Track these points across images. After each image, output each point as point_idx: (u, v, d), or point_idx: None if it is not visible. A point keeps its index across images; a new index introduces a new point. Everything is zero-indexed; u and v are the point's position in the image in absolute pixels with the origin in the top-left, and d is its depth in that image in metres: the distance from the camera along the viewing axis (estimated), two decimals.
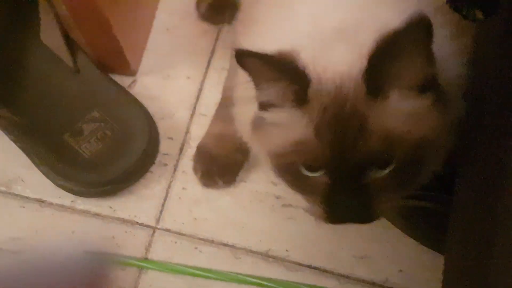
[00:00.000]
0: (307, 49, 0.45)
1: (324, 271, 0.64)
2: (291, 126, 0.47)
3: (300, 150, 0.47)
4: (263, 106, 0.47)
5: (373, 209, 0.48)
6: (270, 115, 0.47)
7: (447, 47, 0.47)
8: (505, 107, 0.43)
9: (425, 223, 0.63)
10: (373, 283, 0.64)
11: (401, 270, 0.64)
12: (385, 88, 0.44)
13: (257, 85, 0.46)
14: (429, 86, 0.45)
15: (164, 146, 0.69)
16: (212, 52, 0.73)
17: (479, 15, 0.44)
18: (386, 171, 0.46)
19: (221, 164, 0.67)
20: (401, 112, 0.45)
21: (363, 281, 0.64)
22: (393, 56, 0.42)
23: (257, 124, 0.49)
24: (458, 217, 0.47)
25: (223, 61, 0.71)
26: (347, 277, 0.64)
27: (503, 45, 0.45)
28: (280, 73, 0.44)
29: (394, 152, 0.45)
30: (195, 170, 0.68)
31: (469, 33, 0.50)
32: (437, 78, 0.46)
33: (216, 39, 0.73)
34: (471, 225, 0.44)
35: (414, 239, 0.65)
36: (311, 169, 0.47)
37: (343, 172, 0.46)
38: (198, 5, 0.73)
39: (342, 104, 0.45)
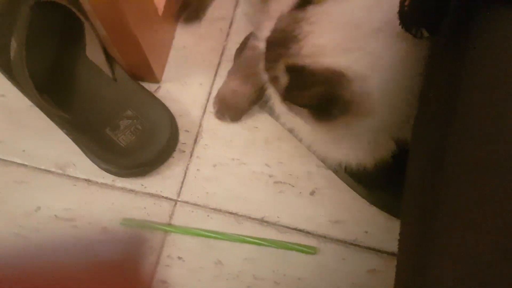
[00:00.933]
0: None
1: (306, 232, 0.64)
2: None
3: None
4: None
5: None
6: None
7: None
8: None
9: (385, 194, 0.62)
10: (345, 242, 0.63)
11: (366, 232, 0.63)
12: None
13: None
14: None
15: (183, 137, 0.68)
16: (219, 64, 0.71)
17: (425, 33, 0.43)
18: None
19: (231, 108, 0.67)
20: None
21: (337, 240, 0.63)
22: None
23: None
24: (408, 186, 0.45)
25: (227, 70, 0.70)
26: (324, 237, 0.63)
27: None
28: None
29: None
30: (214, 106, 0.68)
31: None
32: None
33: (221, 54, 0.72)
34: (418, 189, 0.42)
35: (377, 207, 0.64)
36: None
37: None
38: None
39: None
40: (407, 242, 0.43)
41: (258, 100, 0.65)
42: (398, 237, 0.45)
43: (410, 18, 0.42)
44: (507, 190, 0.32)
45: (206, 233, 0.64)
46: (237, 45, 0.69)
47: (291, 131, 0.64)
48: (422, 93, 0.48)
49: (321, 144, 0.58)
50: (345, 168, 0.58)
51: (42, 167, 0.68)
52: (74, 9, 0.64)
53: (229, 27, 0.73)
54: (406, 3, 0.41)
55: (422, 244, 0.38)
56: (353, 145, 0.54)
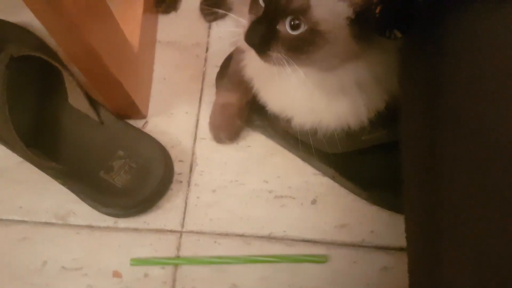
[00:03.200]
0: None
1: (314, 242, 0.65)
2: None
3: None
4: None
5: (268, 49, 0.47)
6: None
7: None
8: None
9: (384, 192, 0.64)
10: (353, 245, 0.64)
11: (372, 231, 0.64)
12: None
13: None
14: (364, 9, 0.44)
15: (178, 167, 0.69)
16: (201, 90, 0.72)
17: (398, 34, 0.45)
18: (293, 33, 0.46)
19: (225, 128, 0.68)
20: (326, 6, 0.45)
21: (345, 244, 0.64)
22: None
23: None
24: (407, 183, 0.46)
25: (210, 96, 0.71)
26: (333, 243, 0.64)
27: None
28: None
29: (303, 22, 0.45)
30: (210, 133, 0.69)
31: None
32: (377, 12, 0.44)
33: (203, 80, 0.73)
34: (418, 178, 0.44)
35: (378, 206, 0.65)
36: (264, 1, 0.47)
37: (270, 10, 0.46)
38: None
39: None
40: (415, 239, 0.44)
41: (247, 109, 0.66)
42: (405, 233, 0.46)
43: (382, 23, 0.44)
44: (503, 179, 0.34)
45: (216, 260, 0.64)
46: (216, 69, 0.70)
47: (279, 124, 0.64)
48: (403, 87, 0.49)
49: (315, 110, 0.57)
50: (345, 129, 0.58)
51: (43, 220, 0.67)
52: (50, 60, 0.65)
53: (206, 52, 0.74)
54: (377, 10, 0.42)
55: (431, 239, 0.40)
56: (348, 101, 0.55)
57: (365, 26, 0.45)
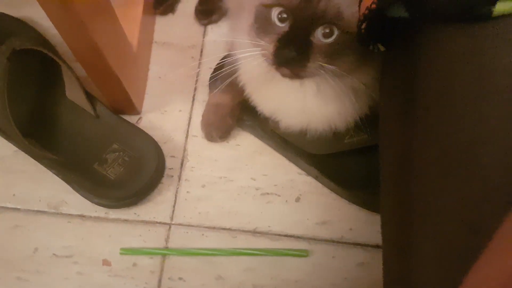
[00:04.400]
0: None
1: (297, 237, 0.68)
2: None
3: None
4: None
5: (307, 61, 0.48)
6: None
7: None
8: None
9: (363, 192, 0.68)
10: (333, 241, 0.67)
11: (351, 229, 0.68)
12: None
13: None
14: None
15: (169, 162, 0.72)
16: (195, 89, 0.75)
17: (381, 48, 0.48)
18: (327, 41, 0.48)
19: (217, 127, 0.71)
20: (353, 7, 0.47)
21: (325, 240, 0.67)
22: None
23: None
24: (383, 182, 0.50)
25: (203, 95, 0.74)
26: (314, 239, 0.68)
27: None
28: None
29: (336, 28, 0.47)
30: (202, 131, 0.72)
31: None
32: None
33: (196, 80, 0.76)
34: (393, 181, 0.47)
35: (357, 205, 0.69)
36: (280, 20, 0.49)
37: (300, 23, 0.47)
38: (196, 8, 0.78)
39: None
40: (389, 234, 0.48)
41: (239, 109, 0.69)
42: (381, 230, 0.49)
43: (367, 37, 0.48)
44: (465, 176, 0.38)
45: (203, 251, 0.67)
46: (210, 70, 0.74)
47: (268, 125, 0.67)
48: (382, 97, 0.54)
49: (306, 113, 0.60)
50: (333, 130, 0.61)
51: (35, 209, 0.70)
52: (50, 54, 0.67)
53: (200, 54, 0.77)
54: (363, 26, 0.46)
55: (403, 233, 0.43)
56: (339, 104, 0.57)
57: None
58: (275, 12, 0.50)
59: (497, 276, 0.33)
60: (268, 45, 0.50)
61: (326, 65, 0.49)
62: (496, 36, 0.39)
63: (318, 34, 0.48)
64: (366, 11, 0.44)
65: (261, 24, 0.51)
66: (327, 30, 0.48)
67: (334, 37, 0.48)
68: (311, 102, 0.57)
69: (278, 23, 0.50)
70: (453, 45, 0.41)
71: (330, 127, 0.61)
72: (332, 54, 0.49)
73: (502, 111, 0.38)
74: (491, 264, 0.34)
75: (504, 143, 0.37)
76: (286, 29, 0.49)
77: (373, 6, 0.43)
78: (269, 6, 0.50)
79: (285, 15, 0.49)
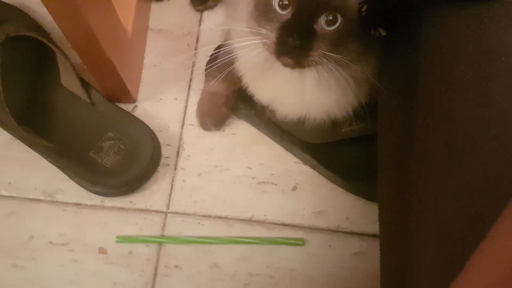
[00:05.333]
0: None
1: (293, 226, 0.68)
2: None
3: None
4: None
5: (311, 50, 0.48)
6: None
7: None
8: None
9: (360, 181, 0.68)
10: (329, 230, 0.68)
11: (347, 218, 0.68)
12: None
13: None
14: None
15: (165, 151, 0.72)
16: (190, 78, 0.75)
17: (382, 32, 0.48)
18: (331, 28, 0.47)
19: (212, 115, 0.71)
20: None
21: (321, 229, 0.68)
22: None
23: None
24: (381, 170, 0.49)
25: (199, 83, 0.74)
26: (310, 228, 0.68)
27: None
28: None
29: (339, 15, 0.47)
30: (197, 119, 0.72)
31: None
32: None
33: (192, 69, 0.75)
34: (393, 169, 0.47)
35: (354, 194, 0.69)
36: (281, 7, 0.48)
37: (303, 11, 0.47)
38: None
39: None
40: (386, 222, 0.48)
41: (234, 98, 0.69)
42: (378, 218, 0.49)
43: (368, 21, 0.47)
44: (468, 161, 0.38)
45: (199, 240, 0.68)
46: (206, 58, 0.73)
47: (265, 113, 0.67)
48: (382, 83, 0.53)
49: (304, 103, 0.59)
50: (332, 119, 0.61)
51: (30, 197, 0.70)
52: (45, 41, 0.67)
53: (196, 42, 0.77)
54: (364, 9, 0.46)
55: (401, 221, 0.43)
56: (339, 93, 0.57)
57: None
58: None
59: (498, 262, 0.33)
60: (269, 34, 0.49)
61: (329, 53, 0.48)
62: (502, 16, 0.38)
63: (322, 22, 0.47)
64: None
65: (262, 12, 0.50)
66: (331, 18, 0.47)
67: (337, 24, 0.47)
68: (310, 91, 0.57)
69: (279, 10, 0.48)
70: (457, 26, 0.40)
71: (329, 116, 0.60)
72: (336, 42, 0.48)
73: (507, 93, 0.37)
74: (493, 250, 0.34)
75: (509, 127, 0.36)
76: (288, 16, 0.48)
77: None
78: None
79: (286, 2, 0.48)
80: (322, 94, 0.57)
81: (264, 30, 0.49)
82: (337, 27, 0.47)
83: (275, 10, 0.48)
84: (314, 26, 0.47)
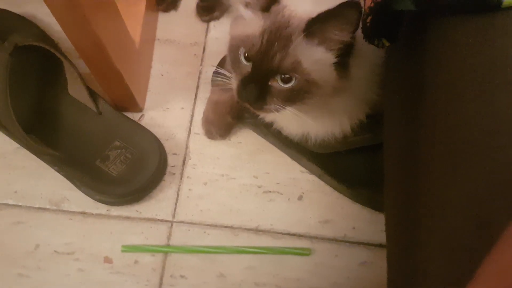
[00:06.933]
0: None
1: (299, 235, 0.68)
2: (251, 23, 0.52)
3: (246, 40, 0.52)
4: (246, 4, 0.53)
5: (264, 103, 0.52)
6: (245, 12, 0.53)
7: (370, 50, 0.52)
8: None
9: (366, 190, 0.68)
10: (335, 239, 0.68)
11: (354, 227, 0.68)
12: (315, 38, 0.50)
13: None
14: (343, 52, 0.51)
15: (171, 160, 0.72)
16: (197, 87, 0.76)
17: (386, 43, 0.48)
18: (286, 86, 0.51)
19: (217, 124, 0.71)
20: (313, 57, 0.51)
21: (328, 239, 0.68)
22: (327, 21, 0.49)
23: (235, 17, 0.55)
24: (388, 180, 0.50)
25: (205, 92, 0.75)
26: (316, 237, 0.68)
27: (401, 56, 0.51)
28: None
29: (295, 75, 0.51)
30: (202, 128, 0.73)
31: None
32: (351, 51, 0.52)
33: (199, 78, 0.76)
34: (400, 180, 0.47)
35: (360, 204, 0.69)
36: (246, 59, 0.52)
37: (260, 68, 0.51)
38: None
39: (286, 26, 0.51)
40: (394, 229, 0.47)
41: (239, 107, 0.69)
42: (385, 228, 0.49)
43: (371, 31, 0.48)
44: (474, 170, 0.38)
45: (205, 249, 0.67)
46: (213, 68, 0.74)
47: (271, 125, 0.68)
48: (387, 94, 0.54)
49: (303, 125, 0.62)
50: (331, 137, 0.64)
51: (37, 206, 0.70)
52: (53, 50, 0.67)
53: (203, 52, 0.78)
54: (368, 19, 0.47)
55: (408, 228, 0.43)
56: (334, 118, 0.60)
57: (345, 66, 0.52)
58: (241, 51, 0.53)
59: (507, 272, 0.32)
60: (234, 81, 0.54)
61: (283, 106, 0.52)
62: (506, 27, 0.39)
63: (278, 79, 0.51)
64: (372, 4, 0.45)
65: (232, 58, 0.54)
66: (288, 76, 0.51)
67: (292, 83, 0.51)
68: (306, 119, 0.58)
69: (244, 61, 0.53)
70: (461, 36, 0.41)
71: (328, 135, 0.62)
72: (291, 97, 0.52)
73: None
74: (502, 259, 0.34)
75: None
76: (249, 69, 0.52)
77: None
78: (236, 44, 0.53)
79: (248, 56, 0.52)
80: (316, 119, 0.58)
81: (232, 76, 0.55)
82: (291, 85, 0.51)
83: (241, 60, 0.53)
84: (270, 82, 0.52)
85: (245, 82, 0.52)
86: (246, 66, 0.53)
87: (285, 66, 0.51)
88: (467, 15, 0.41)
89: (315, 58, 0.51)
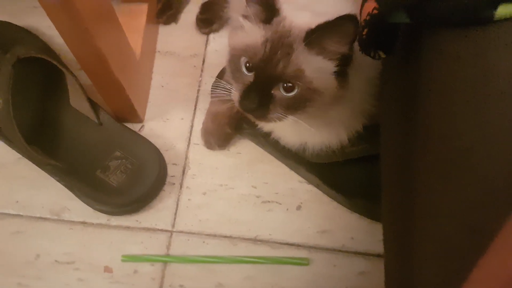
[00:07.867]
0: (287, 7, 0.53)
1: (298, 245, 0.68)
2: (252, 33, 0.53)
3: (248, 49, 0.53)
4: (245, 16, 0.54)
5: (267, 112, 0.53)
6: (245, 23, 0.54)
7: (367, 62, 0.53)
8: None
9: (364, 201, 0.68)
10: (334, 249, 0.68)
11: (352, 238, 0.68)
12: (314, 47, 0.51)
13: (248, 3, 0.53)
14: (342, 62, 0.52)
15: (171, 170, 0.72)
16: (197, 99, 0.76)
17: (382, 55, 0.49)
18: (288, 95, 0.52)
19: (216, 135, 0.72)
20: (314, 65, 0.52)
21: (326, 249, 0.68)
22: (325, 33, 0.50)
23: (233, 28, 0.56)
24: (385, 191, 0.51)
25: (205, 103, 0.75)
26: (314, 247, 0.68)
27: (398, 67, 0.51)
28: (263, 2, 0.53)
29: (297, 84, 0.51)
30: (202, 138, 0.73)
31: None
32: (350, 62, 0.53)
33: (198, 89, 0.77)
34: (395, 188, 0.48)
35: (358, 214, 0.69)
36: (248, 68, 0.53)
37: (263, 77, 0.52)
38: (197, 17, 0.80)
39: (287, 36, 0.52)
40: (390, 238, 0.48)
41: (238, 118, 0.70)
42: (383, 237, 0.50)
43: (368, 44, 0.49)
44: (466, 179, 0.39)
45: (204, 259, 0.68)
46: (212, 79, 0.75)
47: (269, 135, 0.69)
48: (383, 105, 0.55)
49: (301, 135, 0.63)
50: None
51: (37, 215, 0.70)
52: (55, 62, 0.68)
53: (202, 64, 0.79)
54: (364, 32, 0.48)
55: (404, 237, 0.44)
56: (331, 129, 0.61)
57: (344, 76, 0.53)
58: (243, 61, 0.53)
59: (498, 276, 0.33)
60: (235, 92, 0.54)
61: (284, 115, 0.53)
62: (498, 40, 0.40)
63: (280, 88, 0.52)
64: (368, 17, 0.45)
65: (233, 69, 0.54)
66: (290, 84, 0.52)
67: (295, 92, 0.52)
68: (304, 129, 0.58)
69: (245, 72, 0.53)
70: (454, 49, 0.42)
71: (325, 146, 0.63)
72: (293, 106, 0.53)
73: (504, 114, 0.38)
74: (493, 264, 0.34)
75: (506, 146, 0.38)
76: (251, 79, 0.52)
77: (375, 12, 0.44)
78: (237, 54, 0.54)
79: (251, 65, 0.53)
80: (313, 129, 0.59)
81: (233, 87, 0.55)
82: (294, 94, 0.52)
83: (242, 70, 0.53)
84: (273, 91, 0.52)
85: (247, 91, 0.53)
86: (248, 75, 0.53)
87: (288, 74, 0.51)
88: (460, 28, 0.42)
89: (316, 66, 0.52)
